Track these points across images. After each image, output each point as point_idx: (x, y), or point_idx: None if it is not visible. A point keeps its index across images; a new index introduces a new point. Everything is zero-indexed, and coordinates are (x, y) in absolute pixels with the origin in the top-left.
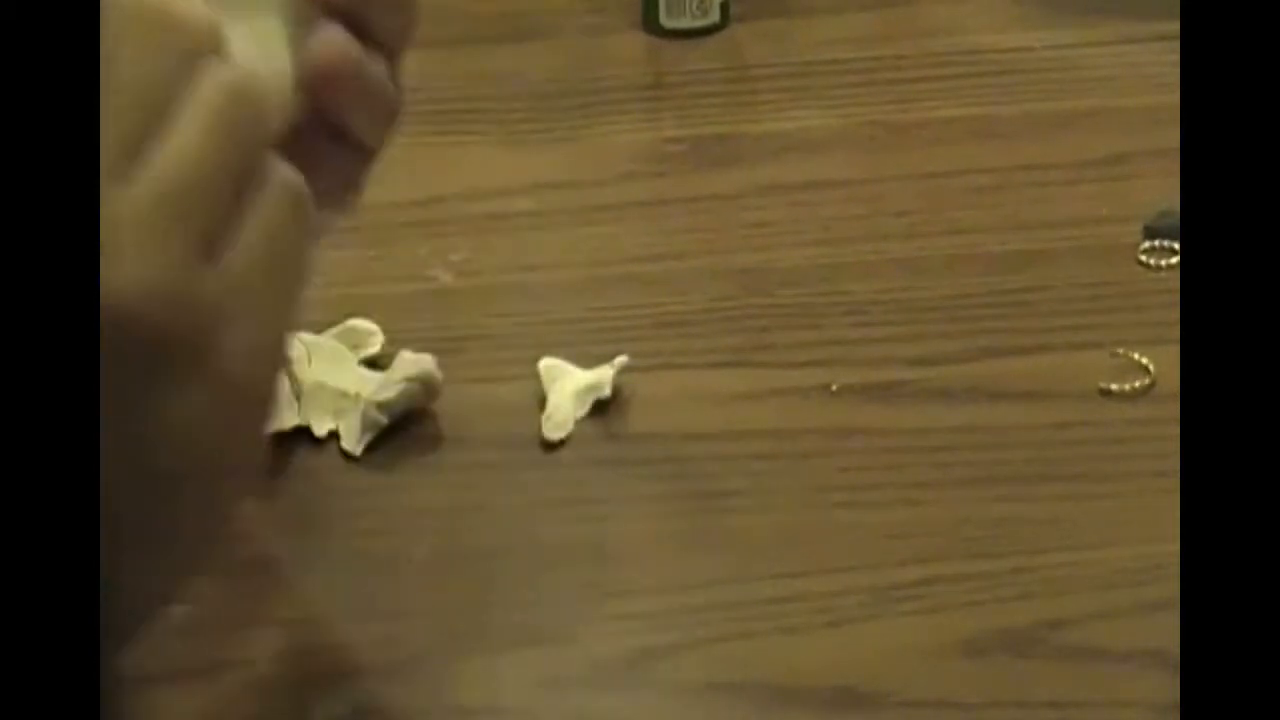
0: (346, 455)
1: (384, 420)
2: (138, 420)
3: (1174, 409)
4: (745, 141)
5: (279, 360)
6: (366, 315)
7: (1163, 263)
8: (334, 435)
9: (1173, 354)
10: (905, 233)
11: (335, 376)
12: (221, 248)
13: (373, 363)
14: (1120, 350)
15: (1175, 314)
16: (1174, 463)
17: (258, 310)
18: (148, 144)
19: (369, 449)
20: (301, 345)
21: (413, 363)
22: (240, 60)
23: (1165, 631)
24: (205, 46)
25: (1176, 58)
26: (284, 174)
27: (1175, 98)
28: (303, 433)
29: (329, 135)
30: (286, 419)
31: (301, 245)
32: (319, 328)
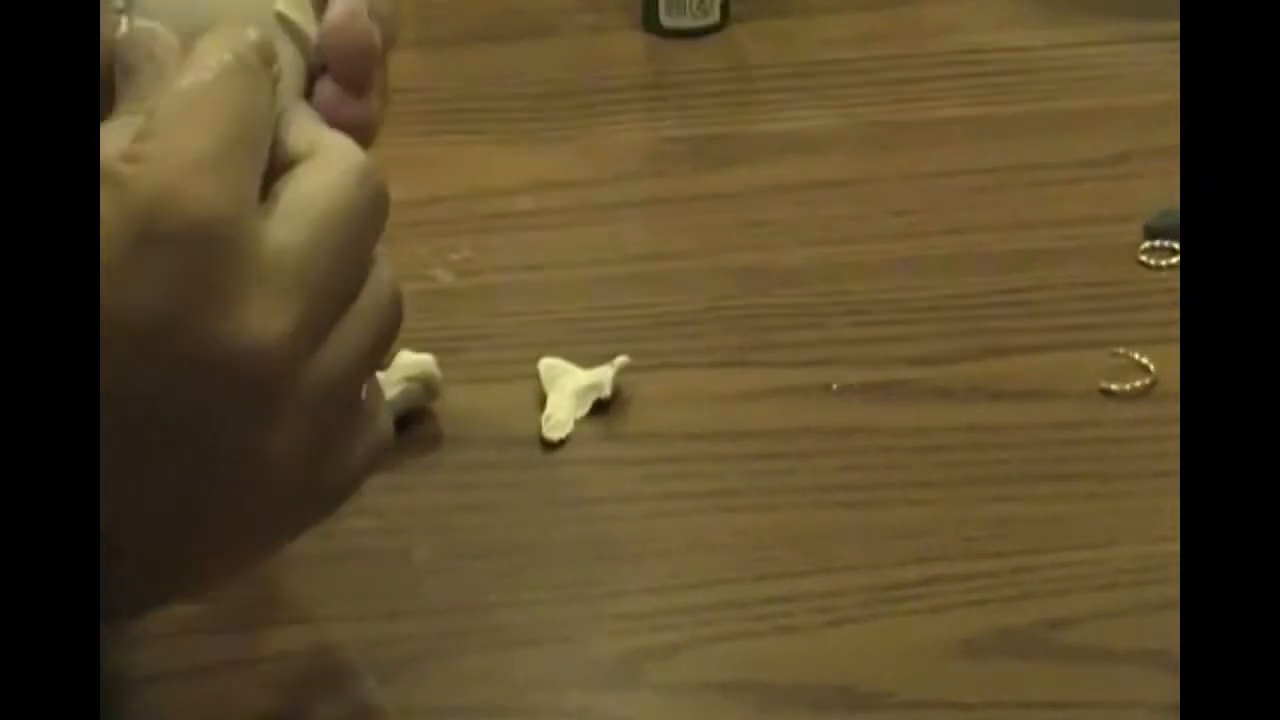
0: None
1: None
2: (214, 452)
3: (1174, 409)
4: (745, 141)
5: (356, 406)
6: None
7: (1163, 263)
8: None
9: (1173, 354)
10: (905, 233)
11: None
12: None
13: None
14: (1120, 350)
15: (1175, 314)
16: (1174, 463)
17: (349, 374)
18: (287, 199)
19: None
20: None
21: (413, 363)
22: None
23: (1165, 631)
24: None
25: (1176, 58)
26: (386, 274)
27: (1175, 98)
28: None
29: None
30: None
31: (393, 329)
32: None
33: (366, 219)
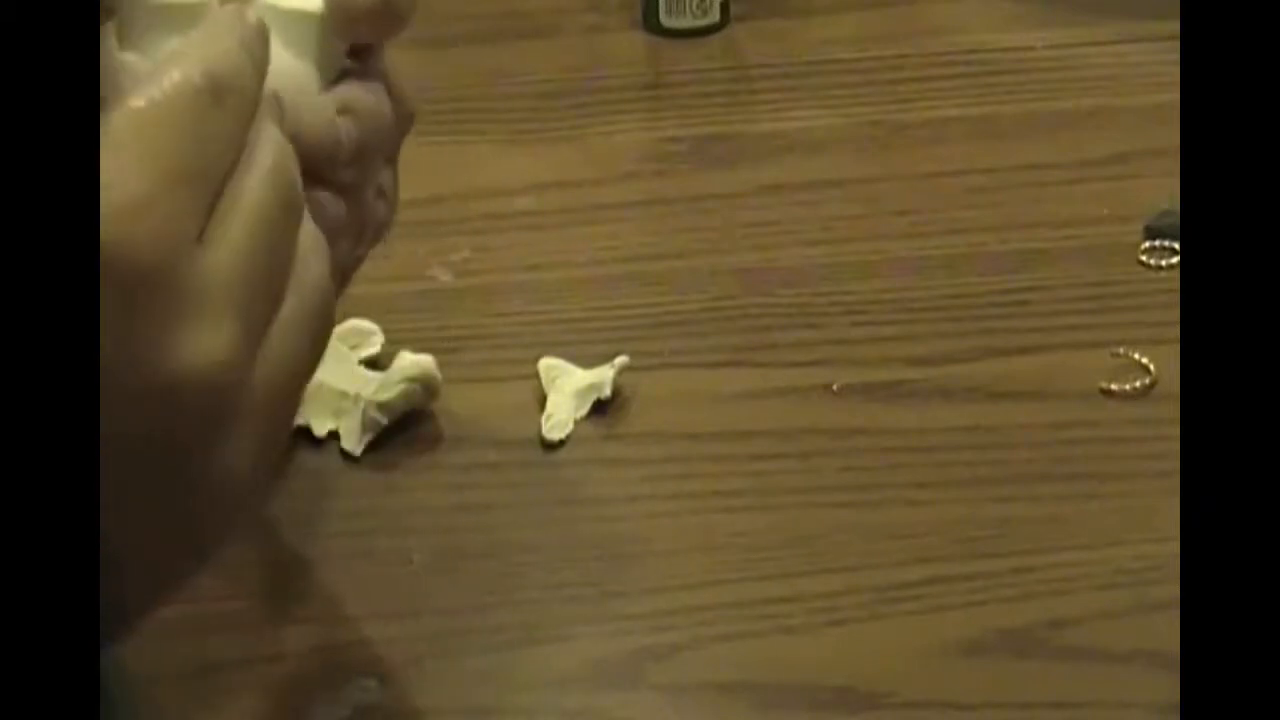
0: (346, 455)
1: (384, 420)
2: (187, 468)
3: (1174, 409)
4: (745, 141)
5: (299, 397)
6: (366, 315)
7: (1163, 263)
8: (334, 435)
9: (1173, 354)
10: (905, 233)
11: (335, 376)
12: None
13: (373, 363)
14: (1120, 350)
15: (1175, 314)
16: (1174, 463)
17: (290, 372)
18: (216, 217)
19: (369, 449)
20: None
21: (413, 363)
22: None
23: (1165, 631)
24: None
25: (1176, 58)
26: (314, 268)
27: (1175, 98)
28: (303, 433)
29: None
30: None
31: (327, 325)
32: None
33: (282, 221)
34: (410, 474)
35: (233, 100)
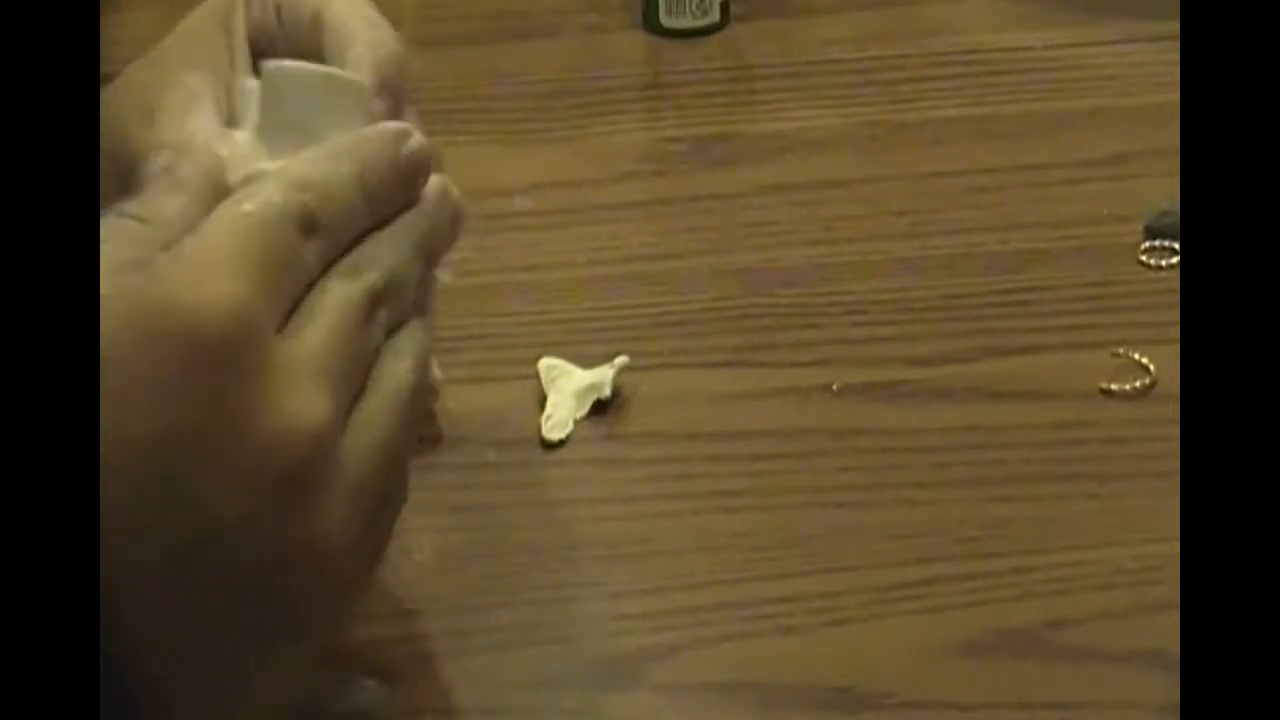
0: None
1: None
2: (279, 538)
3: (1174, 409)
4: (745, 141)
5: (394, 480)
6: None
7: (1163, 263)
8: None
9: (1173, 354)
10: (905, 233)
11: None
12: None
13: None
14: (1120, 350)
15: (1175, 314)
16: (1174, 463)
17: (380, 448)
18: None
19: None
20: None
21: None
22: None
23: (1165, 632)
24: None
25: (1176, 58)
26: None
27: (1175, 98)
28: None
29: None
30: None
31: (417, 406)
32: None
33: (366, 308)
34: (410, 474)
35: (326, 224)
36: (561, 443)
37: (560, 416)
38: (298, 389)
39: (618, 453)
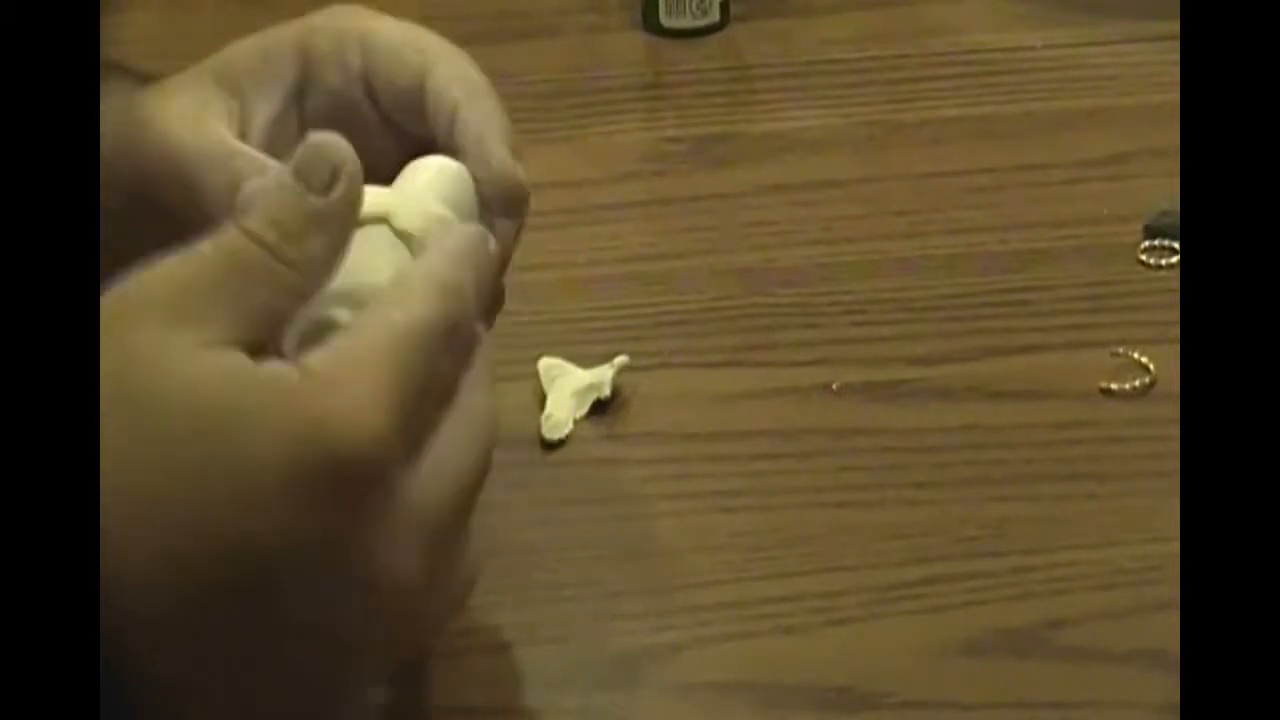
0: None
1: None
2: (347, 561)
3: (1174, 409)
4: (745, 141)
5: (463, 513)
6: None
7: (1163, 263)
8: None
9: (1173, 354)
10: (905, 233)
11: None
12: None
13: None
14: (1120, 350)
15: (1175, 314)
16: (1174, 463)
17: (452, 480)
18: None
19: None
20: None
21: None
22: None
23: (1165, 631)
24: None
25: (1176, 58)
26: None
27: (1175, 98)
28: None
29: None
30: None
31: (489, 441)
32: None
33: (445, 338)
34: None
35: (464, 333)
36: (561, 443)
37: (560, 416)
38: (364, 406)
39: (617, 453)
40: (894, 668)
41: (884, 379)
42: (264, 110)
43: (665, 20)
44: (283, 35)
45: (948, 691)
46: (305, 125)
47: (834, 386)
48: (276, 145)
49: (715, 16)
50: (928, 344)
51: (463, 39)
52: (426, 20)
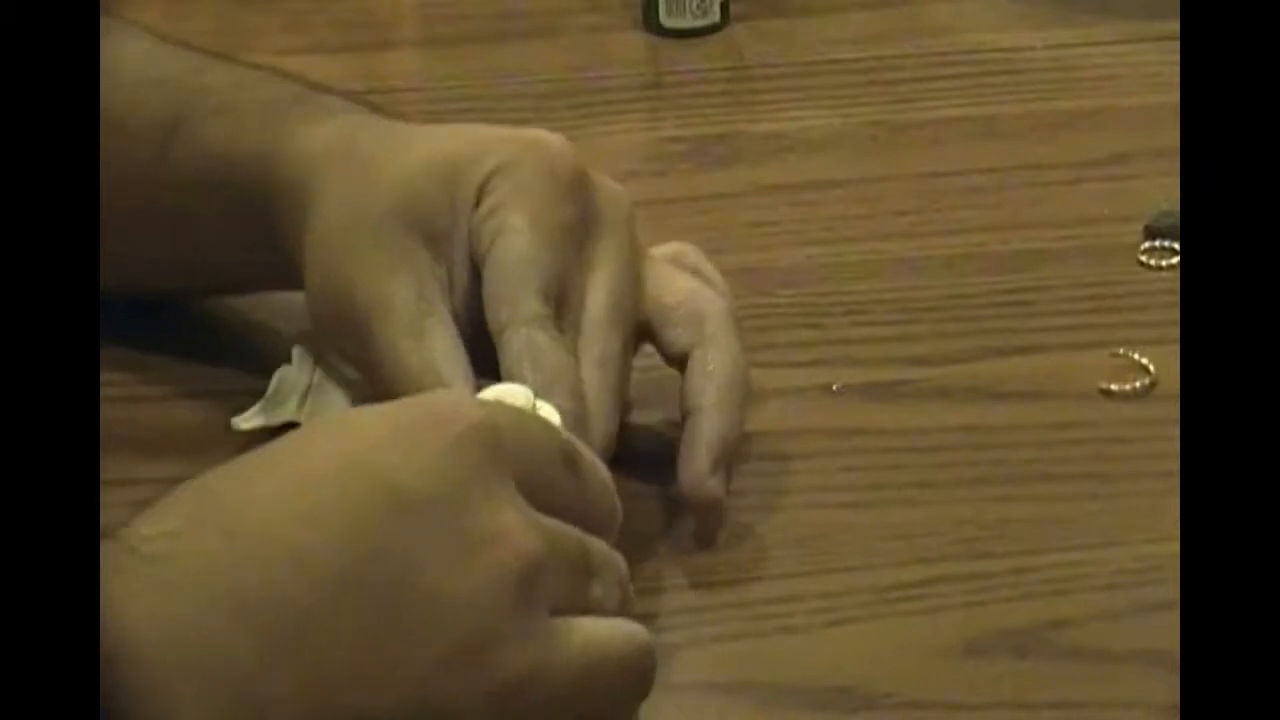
0: None
1: None
2: None
3: (1174, 409)
4: (745, 141)
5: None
6: None
7: (1163, 263)
8: None
9: (1173, 354)
10: (905, 233)
11: (337, 376)
12: None
13: None
14: (1120, 350)
15: (1175, 314)
16: (1174, 463)
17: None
18: None
19: None
20: (304, 345)
21: None
22: None
23: (1166, 632)
24: None
25: (1176, 58)
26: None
27: (1175, 98)
28: None
29: None
30: (289, 416)
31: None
32: None
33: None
34: None
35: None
36: None
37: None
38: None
39: (618, 452)
40: (894, 668)
41: (884, 379)
42: (463, 273)
43: (665, 20)
44: (461, 174)
45: (948, 691)
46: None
47: (834, 386)
48: None
49: (715, 16)
50: (928, 344)
51: (463, 39)
52: (426, 20)
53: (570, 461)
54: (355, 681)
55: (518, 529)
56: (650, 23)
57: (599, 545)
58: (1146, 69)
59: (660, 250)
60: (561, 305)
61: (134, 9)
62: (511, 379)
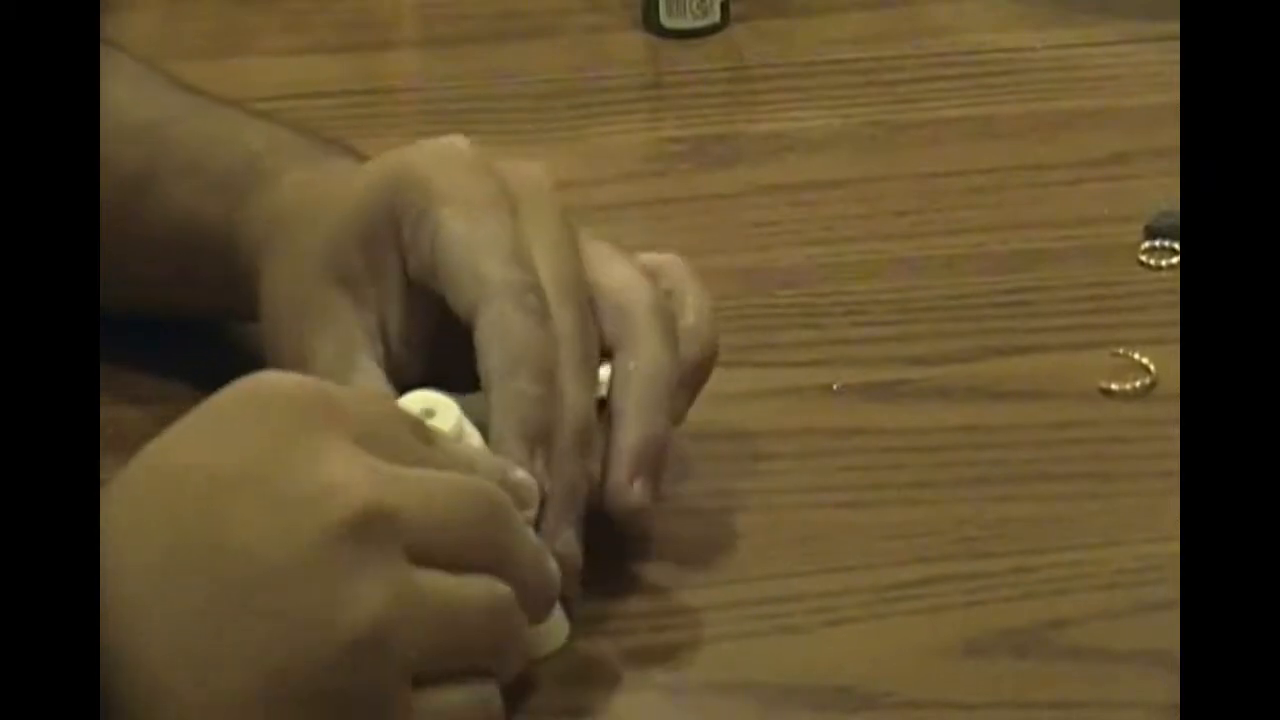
0: None
1: None
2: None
3: (1174, 409)
4: (745, 141)
5: None
6: None
7: (1163, 263)
8: None
9: (1173, 354)
10: (905, 233)
11: None
12: None
13: None
14: (1120, 350)
15: (1175, 314)
16: (1174, 463)
17: None
18: None
19: None
20: None
21: None
22: None
23: (1166, 631)
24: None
25: (1176, 58)
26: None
27: (1175, 98)
28: None
29: None
30: None
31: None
32: None
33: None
34: None
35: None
36: None
37: None
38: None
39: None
40: (894, 668)
41: (884, 379)
42: (395, 314)
43: (665, 20)
44: (374, 212)
45: (948, 691)
46: None
47: (834, 386)
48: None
49: (715, 16)
50: (928, 344)
51: (463, 39)
52: (426, 20)
53: (419, 430)
54: (204, 664)
55: (348, 481)
56: (650, 23)
57: (460, 481)
58: (1146, 69)
59: (647, 258)
60: None
61: (134, 9)
62: (482, 358)
